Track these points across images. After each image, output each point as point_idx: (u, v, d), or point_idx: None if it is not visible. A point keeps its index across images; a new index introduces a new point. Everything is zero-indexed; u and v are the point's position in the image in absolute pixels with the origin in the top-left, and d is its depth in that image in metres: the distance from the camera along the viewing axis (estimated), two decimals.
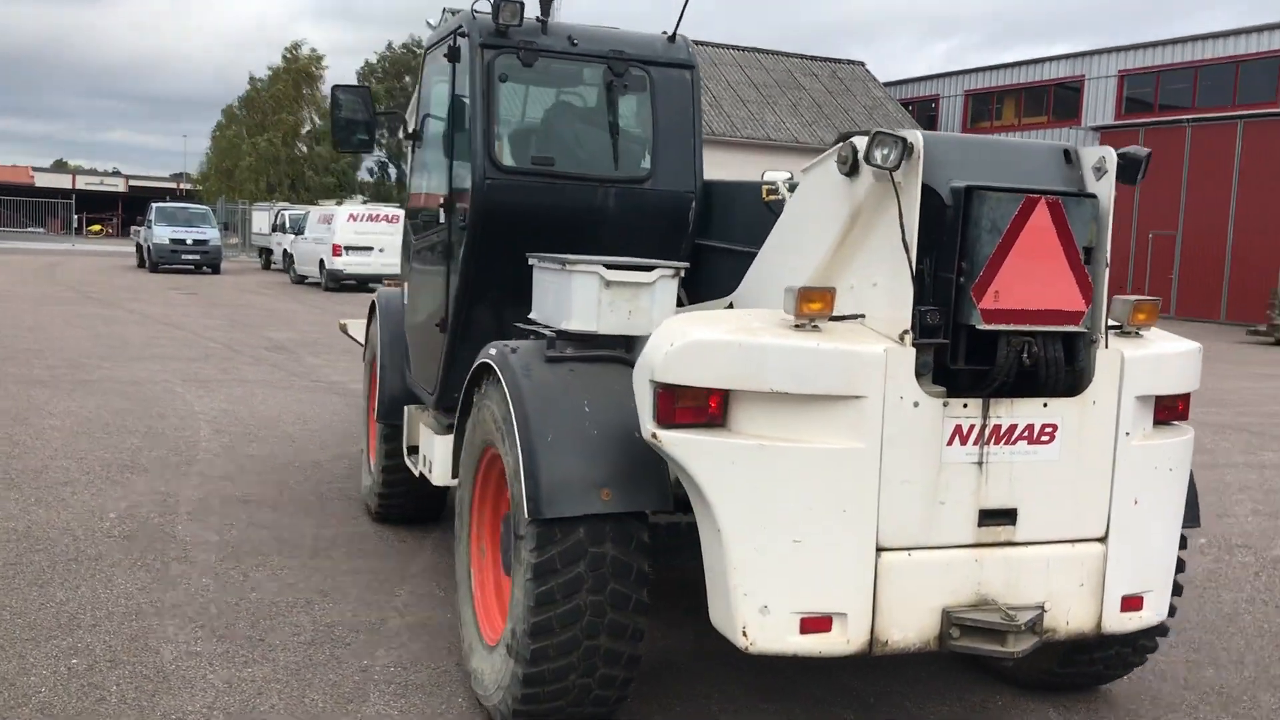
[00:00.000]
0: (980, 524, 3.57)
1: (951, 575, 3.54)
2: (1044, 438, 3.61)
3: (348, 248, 28.85)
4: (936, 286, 3.50)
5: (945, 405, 3.47)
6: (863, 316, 3.58)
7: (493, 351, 4.18)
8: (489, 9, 4.81)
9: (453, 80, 5.11)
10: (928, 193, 3.43)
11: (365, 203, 35.72)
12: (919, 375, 3.44)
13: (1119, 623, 3.76)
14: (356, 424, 9.91)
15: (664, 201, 5.12)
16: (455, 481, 5.30)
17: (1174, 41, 32.81)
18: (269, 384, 12.27)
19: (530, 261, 4.50)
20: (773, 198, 4.23)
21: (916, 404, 3.44)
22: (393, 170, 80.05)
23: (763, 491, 3.38)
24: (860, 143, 3.50)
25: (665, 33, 5.23)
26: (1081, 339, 3.62)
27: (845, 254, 3.69)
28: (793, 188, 4.16)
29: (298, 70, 68.79)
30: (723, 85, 37.97)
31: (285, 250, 35.14)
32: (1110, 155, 3.62)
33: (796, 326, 3.47)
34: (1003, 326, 3.47)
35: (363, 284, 30.28)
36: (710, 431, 3.46)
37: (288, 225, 35.73)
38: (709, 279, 5.03)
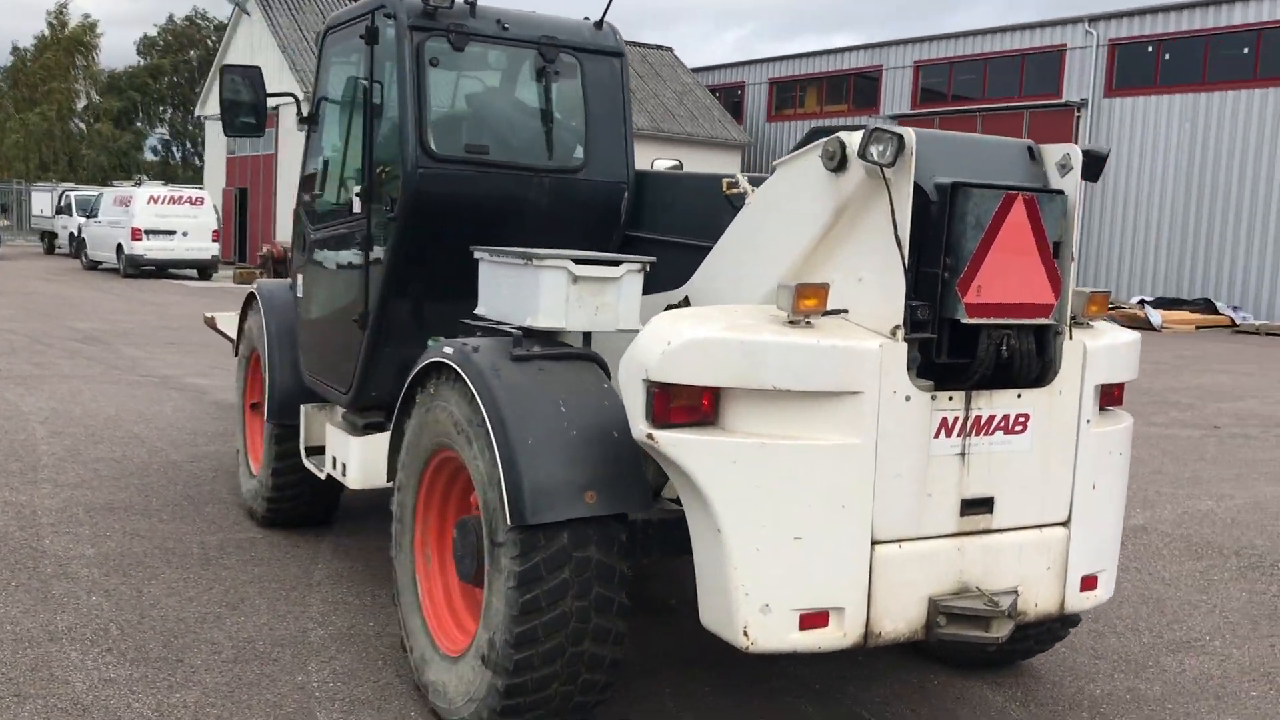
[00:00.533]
0: (962, 513, 3.65)
1: (937, 564, 3.60)
2: (1018, 427, 3.71)
3: (148, 231, 27.29)
4: (920, 281, 3.54)
5: (933, 399, 3.53)
6: (845, 311, 3.59)
7: (448, 350, 4.00)
8: None
9: (370, 63, 4.86)
10: (914, 189, 3.46)
11: (167, 185, 33.83)
12: (909, 369, 3.48)
13: (1079, 602, 3.92)
14: (204, 420, 9.40)
15: (597, 192, 5.02)
16: (376, 485, 5.10)
17: (967, 34, 34.46)
18: (93, 379, 11.47)
19: (477, 255, 4.32)
20: (733, 191, 4.19)
21: (908, 398, 3.48)
22: (177, 150, 76.25)
23: (764, 490, 3.36)
24: (850, 138, 3.50)
25: (589, 19, 5.12)
26: (1050, 331, 3.74)
27: (825, 249, 3.69)
28: (755, 182, 4.13)
29: (68, 39, 64.65)
30: None
31: (74, 234, 32.98)
32: (1075, 153, 3.75)
33: (791, 323, 3.45)
34: (984, 320, 3.55)
35: (163, 269, 28.74)
36: (707, 431, 3.41)
37: (75, 207, 33.53)
38: None
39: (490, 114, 5.01)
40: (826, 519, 3.41)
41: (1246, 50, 27.84)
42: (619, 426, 3.77)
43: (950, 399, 3.56)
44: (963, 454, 3.62)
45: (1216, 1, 28.23)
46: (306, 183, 5.74)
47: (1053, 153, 3.81)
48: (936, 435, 3.55)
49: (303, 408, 5.88)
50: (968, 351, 3.58)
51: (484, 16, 4.78)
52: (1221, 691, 4.78)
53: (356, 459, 5.15)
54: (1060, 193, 3.68)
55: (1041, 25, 32.13)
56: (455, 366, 3.92)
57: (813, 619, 3.44)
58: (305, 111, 5.65)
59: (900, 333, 3.46)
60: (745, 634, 3.40)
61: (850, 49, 38.48)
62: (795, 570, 3.40)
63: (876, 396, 3.42)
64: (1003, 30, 33.25)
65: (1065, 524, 3.86)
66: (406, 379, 4.32)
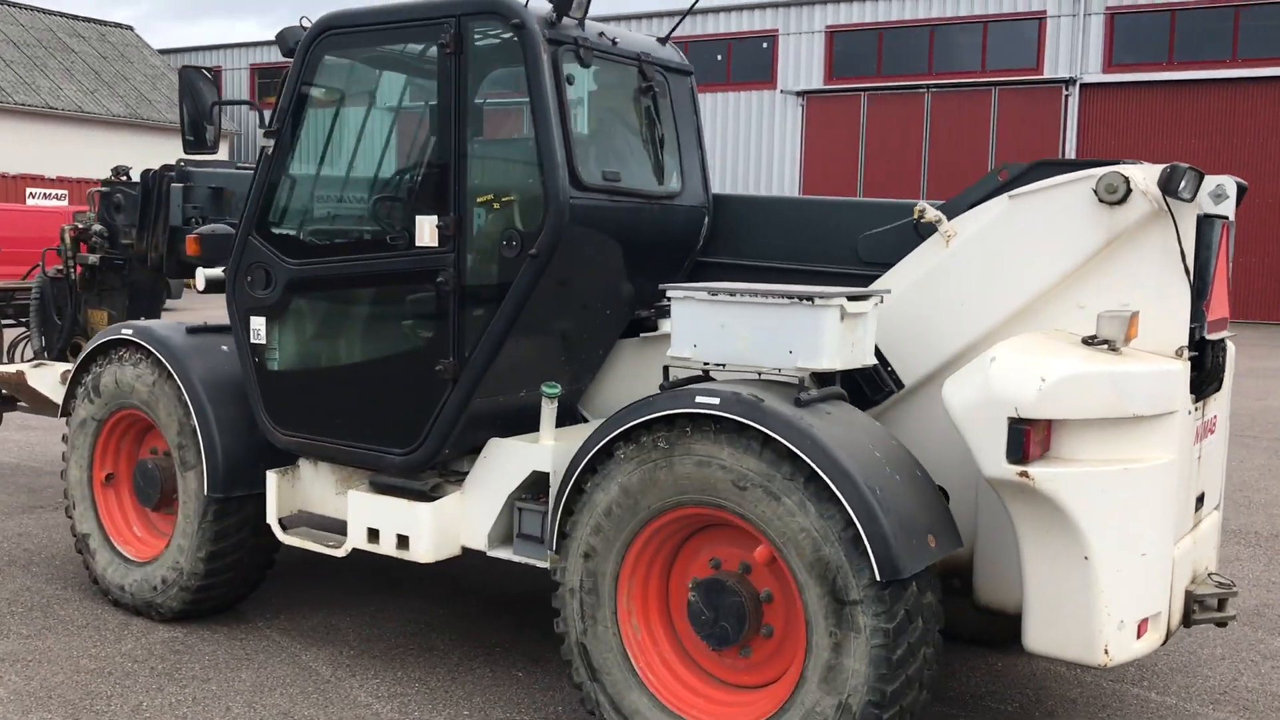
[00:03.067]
0: (1195, 510, 4.05)
1: (1188, 559, 3.97)
2: (1214, 428, 4.18)
3: None
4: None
5: (1196, 410, 3.88)
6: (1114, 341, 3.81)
7: (713, 400, 3.65)
8: None
9: (457, 75, 4.20)
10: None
11: None
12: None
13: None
14: None
15: (689, 218, 4.74)
16: (451, 555, 4.50)
17: None
18: None
19: (675, 294, 3.95)
20: (926, 220, 4.19)
21: (1189, 412, 3.80)
22: None
23: (1126, 512, 3.52)
24: (1136, 172, 3.73)
25: (656, 36, 4.79)
26: (1225, 341, 4.23)
27: (1079, 276, 3.88)
28: (947, 212, 4.16)
29: None
30: None
31: None
32: (1229, 183, 4.24)
33: (1110, 349, 3.62)
34: (1212, 336, 3.96)
35: None
36: (1062, 463, 3.49)
37: None
38: None
39: (606, 137, 4.53)
40: (1160, 533, 3.64)
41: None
42: (918, 465, 3.73)
43: (1199, 408, 3.94)
44: (1199, 457, 4.02)
45: None
46: (271, 207, 4.80)
47: (1207, 183, 4.25)
48: (1195, 442, 3.92)
49: (271, 474, 4.94)
50: (1198, 364, 3.96)
51: (590, 28, 4.33)
52: None
53: (430, 528, 4.46)
54: (1227, 219, 4.15)
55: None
56: (738, 419, 3.60)
57: (1143, 627, 3.66)
58: (267, 123, 4.72)
59: (1185, 353, 3.76)
60: (1106, 652, 3.55)
61: None
62: (1139, 584, 3.61)
63: (1181, 414, 3.70)
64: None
65: (1218, 507, 4.41)
66: (596, 437, 3.88)
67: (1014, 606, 3.94)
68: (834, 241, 4.57)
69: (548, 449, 4.35)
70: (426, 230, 4.33)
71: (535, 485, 4.42)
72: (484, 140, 4.34)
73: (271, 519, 4.98)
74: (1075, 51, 26.49)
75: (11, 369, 6.22)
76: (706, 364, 3.94)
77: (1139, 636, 3.64)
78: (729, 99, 29.83)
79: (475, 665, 4.92)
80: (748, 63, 29.89)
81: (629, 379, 4.90)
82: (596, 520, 3.95)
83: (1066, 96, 26.52)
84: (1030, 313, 3.97)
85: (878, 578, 3.40)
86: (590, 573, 3.99)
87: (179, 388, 5.09)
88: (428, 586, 5.90)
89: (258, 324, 4.88)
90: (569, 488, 4.01)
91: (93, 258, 6.86)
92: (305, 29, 4.70)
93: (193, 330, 5.32)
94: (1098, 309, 3.84)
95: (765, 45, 29.53)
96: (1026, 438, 3.43)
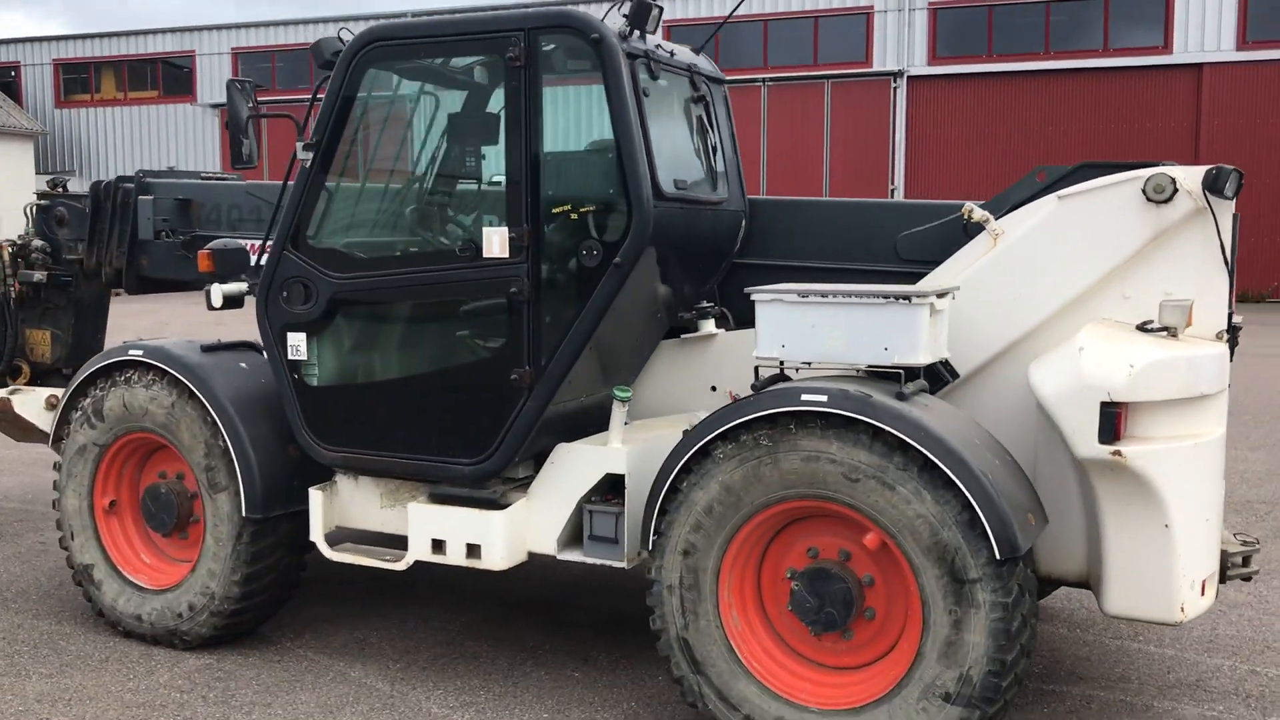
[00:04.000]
0: None
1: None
2: None
3: None
4: None
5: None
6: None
7: (820, 397, 3.84)
8: (624, 10, 4.14)
9: (526, 87, 4.24)
10: None
11: None
12: None
13: None
14: None
15: (733, 223, 4.89)
16: (520, 560, 4.56)
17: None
18: None
19: (762, 296, 4.11)
20: (975, 220, 4.45)
21: (1223, 390, 4.20)
22: None
23: (1195, 483, 3.89)
24: (1181, 173, 4.09)
25: (693, 47, 4.92)
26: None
27: (1125, 269, 4.24)
28: (1014, 207, 4.44)
29: None
30: None
31: None
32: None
33: (1169, 335, 3.98)
34: (1236, 322, 4.39)
35: None
36: (1149, 441, 3.83)
37: None
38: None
39: (669, 146, 4.62)
40: (1217, 499, 4.04)
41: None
42: (1006, 450, 4.01)
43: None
44: None
45: None
46: (310, 221, 4.72)
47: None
48: None
49: (314, 491, 4.87)
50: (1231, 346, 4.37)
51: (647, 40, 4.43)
52: None
53: (503, 536, 4.50)
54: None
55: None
56: (850, 414, 3.80)
57: (1204, 586, 4.05)
58: (307, 137, 4.64)
59: (1225, 336, 4.16)
60: (1182, 610, 3.92)
61: (157, 32, 35.95)
62: (1204, 547, 3.99)
63: (1225, 392, 4.10)
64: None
65: None
66: (693, 438, 4.03)
67: (1075, 575, 4.28)
68: (872, 241, 4.82)
69: (622, 452, 4.46)
70: (496, 241, 4.36)
71: (604, 488, 4.52)
72: (557, 152, 4.40)
73: (317, 536, 4.91)
74: (902, 45, 27.74)
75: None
76: (797, 363, 4.13)
77: (1202, 595, 4.03)
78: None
79: (527, 669, 4.97)
80: None
81: (666, 380, 5.03)
82: (696, 518, 4.08)
83: (895, 88, 27.75)
84: (1078, 305, 4.30)
85: (997, 556, 3.66)
86: (690, 569, 4.12)
87: (204, 408, 4.95)
88: (437, 595, 5.89)
89: (296, 340, 4.80)
90: (665, 488, 4.13)
91: (38, 275, 6.53)
92: (343, 41, 4.65)
93: (208, 349, 5.18)
94: (1142, 299, 4.22)
95: None
96: (1118, 420, 3.75)
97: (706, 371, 4.94)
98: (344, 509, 4.99)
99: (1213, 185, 4.05)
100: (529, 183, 4.29)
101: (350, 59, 4.56)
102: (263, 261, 4.90)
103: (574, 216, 4.35)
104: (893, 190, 27.14)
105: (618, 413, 4.49)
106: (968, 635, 3.74)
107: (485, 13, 4.32)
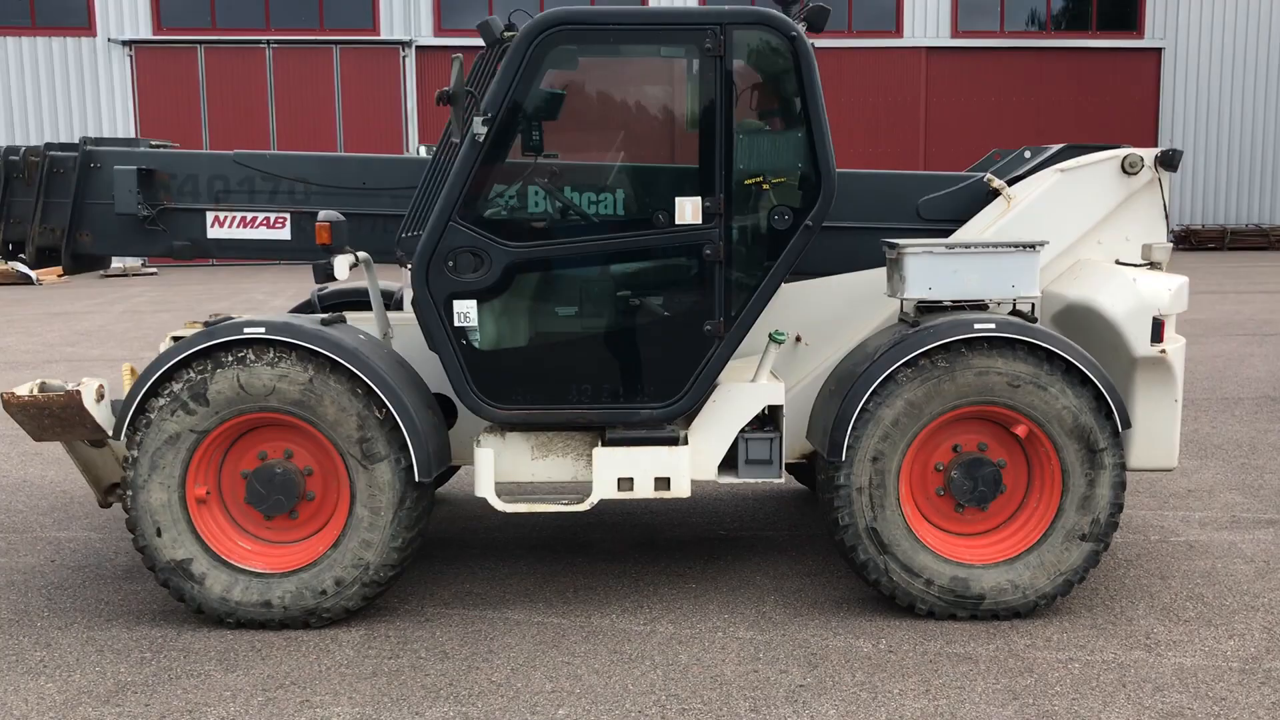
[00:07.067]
0: None
1: None
2: None
3: None
4: None
5: None
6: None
7: (989, 325, 5.01)
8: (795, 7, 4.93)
9: (720, 75, 4.86)
10: None
11: None
12: None
13: None
14: None
15: None
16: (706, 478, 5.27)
17: None
18: None
19: (913, 249, 5.15)
20: (994, 188, 5.76)
21: None
22: None
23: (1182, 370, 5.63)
24: (1146, 154, 5.75)
25: None
26: None
27: (1106, 221, 5.85)
28: (1013, 180, 5.81)
29: None
30: None
31: None
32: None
33: (1154, 269, 5.65)
34: None
35: None
36: (1173, 342, 5.47)
37: None
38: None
39: None
40: None
41: None
42: None
43: None
44: None
45: None
46: (482, 193, 4.95)
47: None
48: None
49: (484, 446, 5.12)
50: None
51: None
52: None
53: (687, 467, 5.16)
54: None
55: None
56: (1011, 335, 5.01)
57: None
58: (487, 117, 4.86)
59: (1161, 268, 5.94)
60: (1176, 460, 5.65)
61: None
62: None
63: None
64: None
65: None
66: (878, 369, 5.01)
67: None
68: (896, 205, 5.99)
69: (780, 387, 5.31)
70: (689, 210, 4.97)
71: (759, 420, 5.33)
72: (746, 130, 5.06)
73: (489, 490, 5.15)
74: (409, 16, 28.34)
75: (60, 389, 5.07)
76: (945, 300, 5.25)
77: None
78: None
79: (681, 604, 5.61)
80: (62, 7, 27.16)
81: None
82: (885, 430, 5.09)
83: (404, 57, 28.30)
84: (1068, 251, 5.84)
85: (1120, 428, 5.11)
86: (878, 471, 5.12)
87: (353, 380, 4.96)
88: (494, 546, 6.20)
89: (464, 307, 5.01)
90: (857, 409, 5.07)
91: None
92: (512, 23, 4.92)
93: (326, 323, 5.14)
94: (1110, 245, 5.87)
95: None
96: (1162, 327, 5.35)
97: (771, 319, 5.83)
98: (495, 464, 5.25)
99: (1168, 162, 5.78)
100: (724, 157, 4.96)
101: (532, 39, 4.86)
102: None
103: (766, 187, 5.08)
104: None
105: (772, 353, 5.32)
106: (1099, 490, 5.15)
107: (672, 8, 4.83)
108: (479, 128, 4.85)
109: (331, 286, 6.58)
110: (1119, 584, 5.65)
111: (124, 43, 27.42)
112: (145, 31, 27.62)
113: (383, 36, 28.45)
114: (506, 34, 5.02)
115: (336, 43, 28.23)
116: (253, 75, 27.96)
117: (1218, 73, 29.89)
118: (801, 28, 4.98)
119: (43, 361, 12.96)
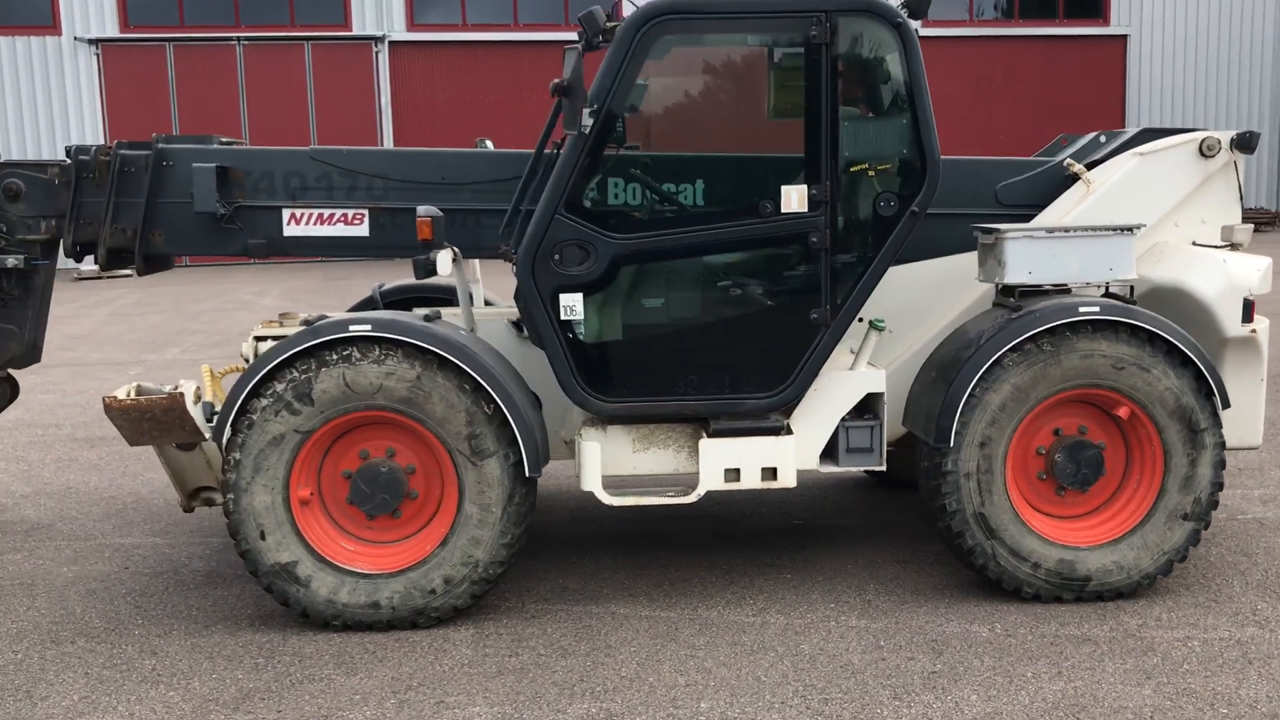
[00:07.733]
0: None
1: None
2: None
3: None
4: None
5: None
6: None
7: (1093, 309, 5.03)
8: None
9: (829, 62, 4.83)
10: None
11: None
12: None
13: None
14: None
15: None
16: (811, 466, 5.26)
17: None
18: None
19: (1013, 234, 5.15)
20: (1072, 172, 5.78)
21: None
22: None
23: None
24: (1223, 137, 5.80)
25: None
26: None
27: (1184, 203, 5.90)
28: (1089, 165, 5.83)
29: None
30: None
31: None
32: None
33: (1234, 250, 5.71)
34: None
35: None
36: (1260, 322, 5.54)
37: None
38: None
39: None
40: None
41: None
42: None
43: None
44: None
45: None
46: (587, 186, 4.90)
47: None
48: None
49: (591, 440, 5.08)
50: None
51: None
52: None
53: (793, 457, 5.15)
54: None
55: None
56: (1118, 319, 5.04)
57: None
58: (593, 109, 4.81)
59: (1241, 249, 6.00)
60: (1260, 439, 5.72)
61: None
62: None
63: None
64: None
65: None
66: (984, 355, 5.02)
67: None
68: (973, 190, 6.00)
69: (881, 374, 5.31)
70: (795, 198, 4.95)
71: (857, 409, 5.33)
72: (851, 119, 5.04)
73: (595, 485, 5.11)
74: (381, 11, 28.04)
75: (162, 392, 4.94)
76: (1046, 284, 5.27)
77: None
78: None
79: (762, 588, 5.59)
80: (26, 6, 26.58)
81: None
82: (992, 414, 5.10)
83: (377, 53, 28.02)
84: (1147, 235, 5.88)
85: (1220, 409, 5.15)
86: (986, 457, 5.13)
87: (461, 377, 4.89)
88: (575, 541, 6.16)
89: (570, 300, 4.97)
90: (965, 395, 5.07)
91: (11, 260, 5.63)
92: (617, 13, 4.87)
93: (428, 320, 5.07)
94: (1186, 227, 5.92)
95: None
96: (1252, 307, 5.41)
97: None
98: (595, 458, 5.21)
99: (1245, 144, 5.84)
100: (830, 145, 4.94)
101: (637, 29, 4.81)
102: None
103: (872, 174, 5.07)
104: None
105: (871, 340, 5.31)
106: (1200, 469, 5.20)
107: None
108: (585, 120, 4.80)
109: (399, 282, 6.52)
110: (1206, 562, 5.70)
111: (90, 41, 26.91)
112: (112, 30, 27.12)
113: (354, 32, 28.15)
114: (609, 25, 4.97)
115: (308, 39, 27.90)
116: (223, 73, 27.56)
117: (1182, 60, 30.28)
118: (904, 14, 4.98)
119: (43, 366, 12.68)
